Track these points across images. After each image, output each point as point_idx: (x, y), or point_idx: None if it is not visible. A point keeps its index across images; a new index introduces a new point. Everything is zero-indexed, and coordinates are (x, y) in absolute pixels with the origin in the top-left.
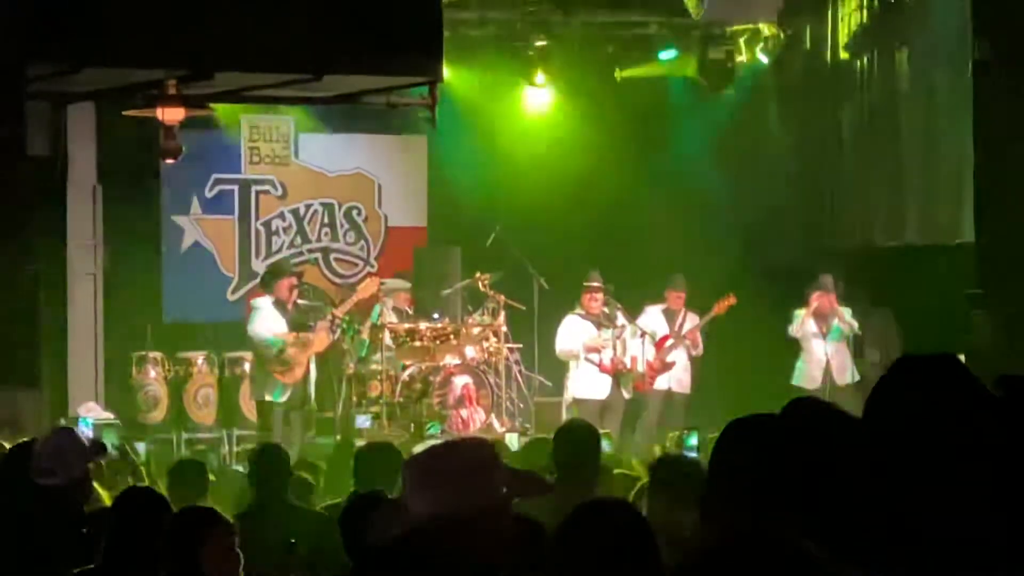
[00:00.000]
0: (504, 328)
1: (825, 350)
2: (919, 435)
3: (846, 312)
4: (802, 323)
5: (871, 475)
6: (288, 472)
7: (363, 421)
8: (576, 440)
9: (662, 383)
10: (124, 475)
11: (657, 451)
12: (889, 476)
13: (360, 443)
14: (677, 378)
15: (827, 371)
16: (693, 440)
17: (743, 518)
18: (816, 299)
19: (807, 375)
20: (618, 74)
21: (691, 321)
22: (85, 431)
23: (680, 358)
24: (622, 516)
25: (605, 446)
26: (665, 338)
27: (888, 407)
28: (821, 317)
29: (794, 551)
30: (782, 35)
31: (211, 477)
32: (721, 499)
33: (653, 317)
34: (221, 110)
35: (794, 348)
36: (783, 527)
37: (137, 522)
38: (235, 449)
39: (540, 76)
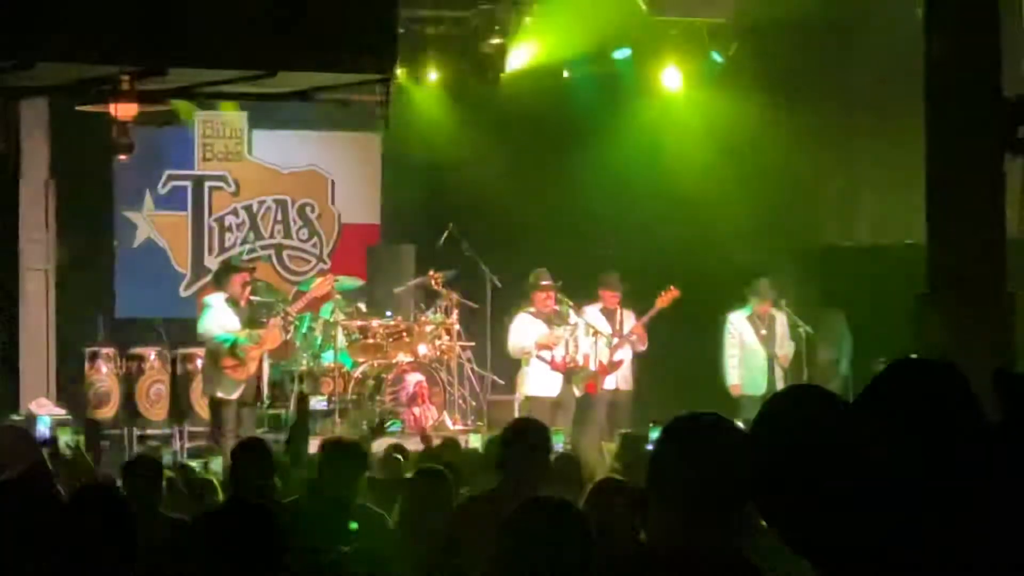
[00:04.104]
0: (457, 326)
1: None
2: (911, 441)
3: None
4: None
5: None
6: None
7: (317, 403)
8: (524, 437)
9: (610, 382)
10: (79, 472)
11: (612, 448)
12: (872, 478)
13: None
14: (623, 376)
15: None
16: (656, 435)
17: (682, 522)
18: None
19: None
20: (569, 73)
21: (629, 318)
22: (43, 429)
23: (626, 356)
24: (562, 514)
25: (558, 443)
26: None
27: (882, 408)
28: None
29: (730, 560)
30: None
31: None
32: (659, 502)
33: (593, 317)
34: (175, 106)
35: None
36: (722, 530)
37: (94, 519)
38: (187, 445)
39: (493, 75)
